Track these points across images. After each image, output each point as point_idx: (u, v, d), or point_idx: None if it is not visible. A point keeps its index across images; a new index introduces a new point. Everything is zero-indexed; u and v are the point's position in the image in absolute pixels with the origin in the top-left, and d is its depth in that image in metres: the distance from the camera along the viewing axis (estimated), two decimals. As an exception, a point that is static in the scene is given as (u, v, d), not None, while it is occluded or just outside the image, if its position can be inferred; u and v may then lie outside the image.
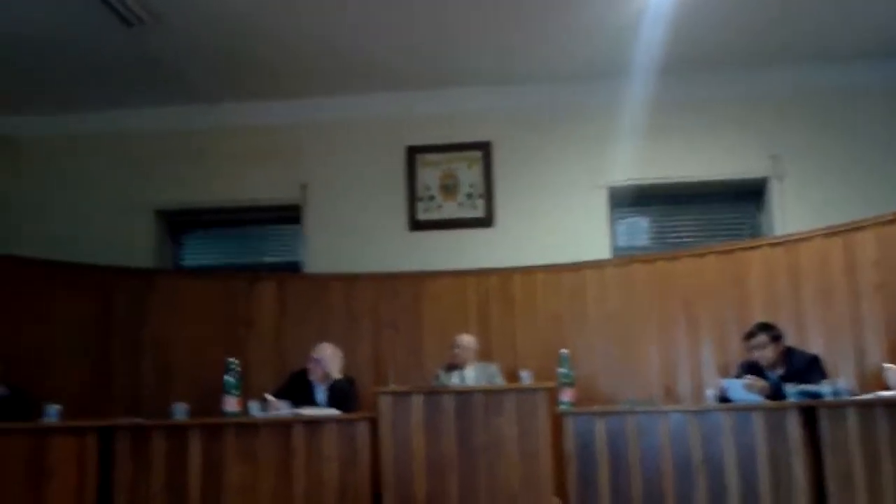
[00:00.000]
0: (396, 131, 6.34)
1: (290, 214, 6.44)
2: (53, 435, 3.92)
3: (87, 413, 4.46)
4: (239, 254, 6.60)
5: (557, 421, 4.30)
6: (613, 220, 6.18)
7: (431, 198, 6.31)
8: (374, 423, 4.29)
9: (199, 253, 6.68)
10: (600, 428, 4.23)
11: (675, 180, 6.06)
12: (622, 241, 6.24)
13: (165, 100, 6.25)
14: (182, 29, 5.20)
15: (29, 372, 4.79)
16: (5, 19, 4.99)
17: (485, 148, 6.29)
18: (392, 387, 4.46)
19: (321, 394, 4.89)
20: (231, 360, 4.43)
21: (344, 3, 4.97)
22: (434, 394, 4.32)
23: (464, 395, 4.30)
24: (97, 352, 5.38)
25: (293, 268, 6.41)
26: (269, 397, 4.57)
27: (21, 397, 4.50)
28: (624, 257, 5.95)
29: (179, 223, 6.62)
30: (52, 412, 4.06)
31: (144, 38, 5.23)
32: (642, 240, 6.32)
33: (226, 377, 4.36)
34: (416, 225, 6.27)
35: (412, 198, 6.30)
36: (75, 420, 4.16)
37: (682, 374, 5.46)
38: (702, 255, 5.61)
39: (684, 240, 6.20)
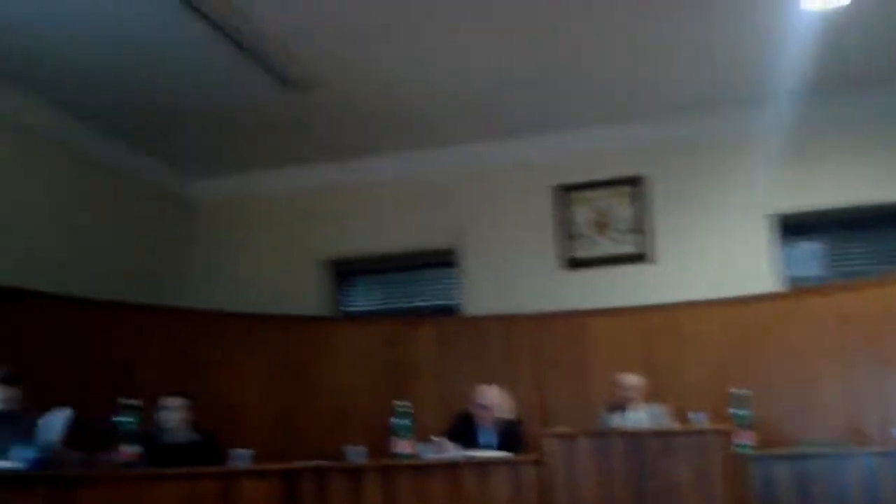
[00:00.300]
0: (547, 171, 6.39)
1: (446, 258, 6.59)
2: (242, 478, 4.14)
3: (272, 456, 4.68)
4: (400, 298, 6.80)
5: (733, 464, 4.13)
6: (780, 250, 5.92)
7: (584, 236, 6.29)
8: (540, 466, 4.28)
9: (362, 299, 6.94)
10: (784, 472, 4.02)
11: (846, 205, 5.76)
12: (792, 271, 5.94)
13: (324, 156, 6.59)
14: (338, 88, 5.47)
15: (218, 418, 5.09)
16: (175, 90, 5.42)
17: (638, 183, 6.22)
18: (558, 429, 4.43)
19: (488, 436, 4.91)
20: (400, 403, 4.54)
21: (489, 53, 5.10)
22: (602, 436, 4.26)
23: (633, 437, 4.21)
24: (278, 397, 5.67)
25: (451, 310, 6.54)
26: (438, 439, 4.64)
27: (211, 443, 4.79)
28: (798, 288, 5.68)
29: (343, 272, 6.91)
30: (243, 456, 4.29)
31: (303, 99, 5.54)
32: (813, 269, 6.01)
33: (396, 420, 4.47)
34: (572, 263, 6.25)
35: (566, 236, 6.30)
36: (262, 464, 4.38)
37: (868, 413, 5.12)
38: (883, 285, 5.27)
39: (857, 267, 5.85)
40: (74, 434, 3.77)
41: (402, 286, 6.85)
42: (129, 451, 3.84)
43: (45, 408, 3.97)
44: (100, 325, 5.13)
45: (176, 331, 5.47)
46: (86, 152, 5.95)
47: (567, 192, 6.36)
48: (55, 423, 3.72)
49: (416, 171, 6.62)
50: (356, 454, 4.54)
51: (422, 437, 4.68)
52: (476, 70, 5.34)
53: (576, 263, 6.24)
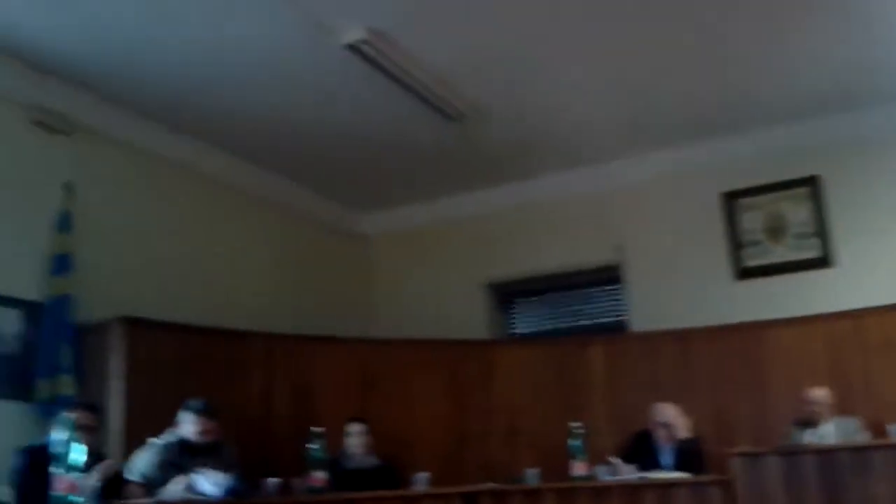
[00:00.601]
0: (711, 178, 6.17)
1: (610, 275, 6.51)
2: (424, 501, 4.25)
3: (447, 479, 4.77)
4: (565, 318, 6.77)
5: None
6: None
7: (757, 243, 6.03)
8: (726, 486, 4.12)
9: (527, 321, 6.97)
10: None
11: None
12: None
13: (487, 182, 6.69)
14: (497, 116, 5.57)
15: (394, 442, 5.26)
16: (344, 131, 5.68)
17: (812, 183, 5.90)
18: (743, 447, 4.26)
19: (667, 456, 4.80)
20: (574, 424, 4.52)
21: (644, 65, 5.02)
22: (791, 454, 4.05)
23: (826, 454, 3.98)
24: (453, 420, 5.76)
25: (619, 327, 6.44)
26: (616, 460, 4.57)
27: (390, 467, 4.95)
28: None
29: (507, 294, 6.97)
30: (421, 479, 4.41)
31: (464, 129, 5.66)
32: None
33: (572, 442, 4.45)
34: (744, 273, 6.01)
35: (736, 245, 6.07)
36: (439, 486, 4.48)
37: None
38: None
39: None
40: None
41: (566, 306, 6.82)
42: (318, 476, 4.04)
43: (237, 436, 4.27)
44: (283, 357, 5.43)
45: (353, 359, 5.69)
46: (267, 196, 6.36)
47: (735, 198, 6.12)
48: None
49: (576, 190, 6.58)
50: (533, 476, 4.55)
51: (595, 458, 4.63)
52: (632, 82, 5.27)
53: (748, 273, 5.99)
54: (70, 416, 3.47)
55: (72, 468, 3.06)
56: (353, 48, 4.56)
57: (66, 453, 3.08)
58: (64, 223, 4.75)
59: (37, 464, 3.44)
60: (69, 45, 4.50)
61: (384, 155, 6.11)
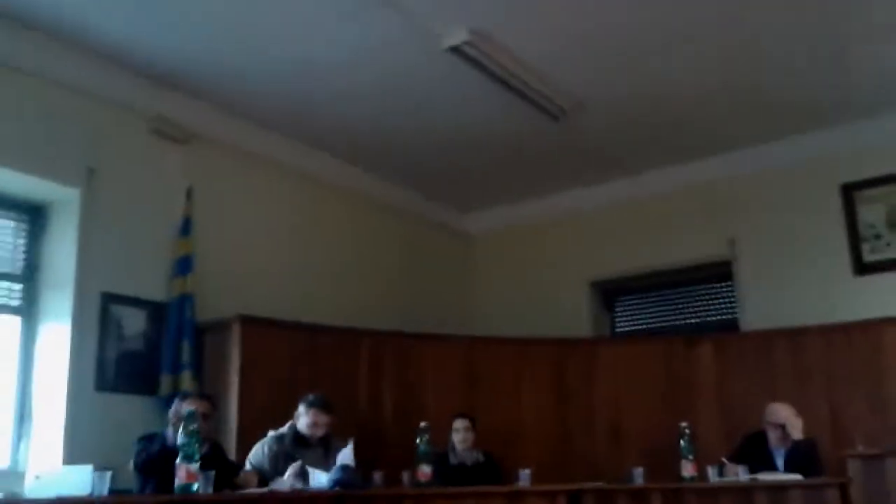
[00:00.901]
0: (828, 170, 5.94)
1: (720, 271, 6.35)
2: (527, 497, 4.27)
3: (552, 475, 4.78)
4: (671, 316, 6.66)
5: None
6: None
7: (878, 237, 5.76)
8: (842, 489, 3.97)
9: (631, 318, 6.89)
10: None
11: None
12: None
13: (591, 179, 6.66)
14: (602, 111, 5.52)
15: (498, 438, 5.30)
16: (447, 132, 5.77)
17: (941, 173, 5.60)
18: (861, 450, 4.09)
19: (781, 458, 4.64)
20: (683, 424, 4.45)
21: (760, 48, 4.86)
22: (913, 457, 3.87)
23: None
24: (556, 418, 5.77)
25: (729, 325, 6.28)
26: (727, 462, 4.47)
27: (493, 462, 5.00)
28: None
29: (613, 291, 6.92)
30: (524, 475, 4.44)
31: (570, 126, 5.64)
32: None
33: (680, 442, 4.39)
34: (863, 268, 5.75)
35: (855, 239, 5.81)
36: (543, 483, 4.49)
37: None
38: None
39: None
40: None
41: (673, 303, 6.70)
42: (424, 470, 4.13)
43: (347, 431, 4.41)
44: (390, 354, 5.56)
45: (459, 356, 5.77)
46: (374, 198, 6.53)
47: (855, 189, 5.85)
48: (346, 450, 4.08)
49: (684, 184, 6.46)
50: (639, 476, 4.50)
51: (704, 459, 4.54)
52: (745, 70, 5.09)
53: (868, 268, 5.72)
54: (189, 406, 3.66)
55: (191, 458, 3.23)
56: (455, 50, 4.63)
57: (187, 444, 3.24)
58: (185, 227, 5.03)
59: (155, 453, 3.68)
60: (185, 57, 4.75)
61: (487, 154, 6.17)
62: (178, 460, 3.21)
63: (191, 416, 3.31)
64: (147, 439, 3.79)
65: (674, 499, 4.23)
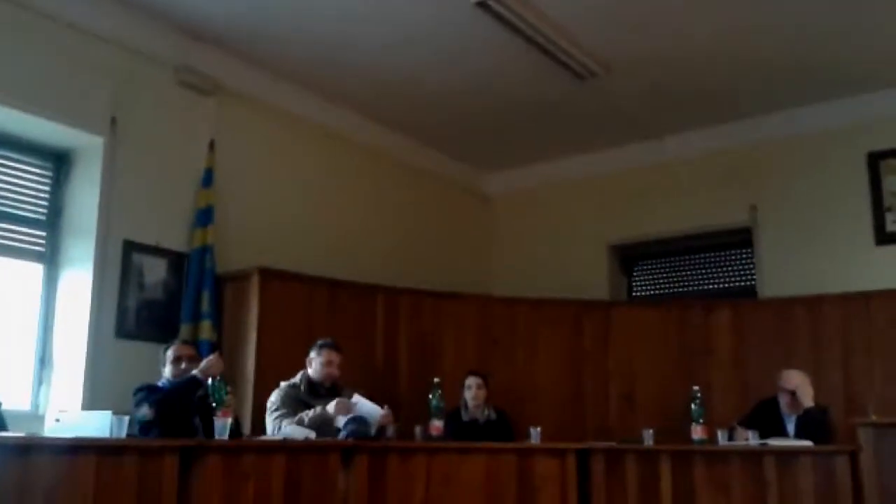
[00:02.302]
0: (855, 138, 5.84)
1: (740, 238, 6.32)
2: (538, 455, 4.33)
3: (564, 435, 4.83)
4: (689, 281, 6.65)
5: None
6: None
7: (903, 207, 5.70)
8: (854, 457, 3.98)
9: (649, 283, 6.88)
10: None
11: None
12: None
13: (613, 142, 6.60)
14: (628, 75, 5.47)
15: (511, 397, 5.36)
16: (471, 91, 5.74)
17: (968, 144, 5.50)
18: (873, 418, 4.09)
19: (792, 425, 4.66)
20: (695, 387, 4.48)
21: (788, 11, 4.77)
22: (925, 427, 3.86)
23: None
24: (570, 379, 5.81)
25: (747, 292, 6.26)
26: (737, 426, 4.49)
27: (505, 420, 5.06)
28: None
29: (631, 255, 6.90)
30: (535, 434, 4.49)
31: (595, 87, 5.59)
32: None
33: (692, 405, 4.41)
34: (886, 238, 5.69)
35: (878, 209, 5.74)
36: (554, 441, 4.54)
37: None
38: None
39: None
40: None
41: (693, 269, 6.68)
42: (435, 425, 4.20)
43: (362, 384, 4.48)
44: (407, 310, 5.60)
45: (475, 315, 5.81)
46: (394, 154, 6.52)
47: (882, 158, 5.76)
48: (363, 401, 4.15)
49: (707, 149, 6.39)
50: (649, 437, 4.54)
51: (717, 423, 4.57)
52: (774, 33, 4.99)
53: (890, 238, 5.66)
54: (175, 352, 4.06)
55: (220, 402, 3.53)
56: (482, 5, 4.58)
57: (215, 389, 3.57)
58: (207, 179, 5.07)
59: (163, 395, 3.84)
60: (213, 8, 4.75)
61: (510, 114, 6.13)
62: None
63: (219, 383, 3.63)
64: (147, 389, 3.87)
65: (682, 460, 4.27)
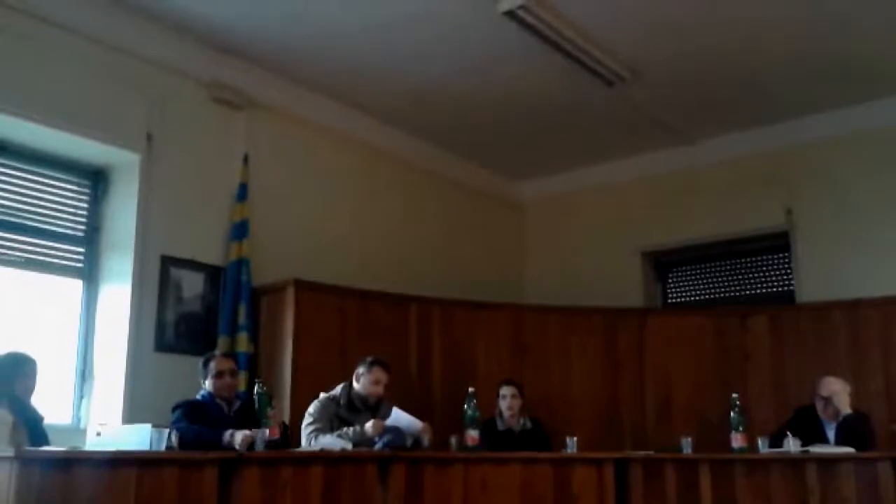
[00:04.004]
0: (894, 139, 5.75)
1: (776, 242, 6.24)
2: (574, 464, 4.30)
3: (600, 444, 4.80)
4: (725, 287, 6.57)
5: None
6: None
7: (946, 208, 5.59)
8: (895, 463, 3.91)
9: (684, 289, 6.82)
10: None
11: None
12: None
13: (644, 147, 6.56)
14: (659, 79, 5.44)
15: (546, 406, 5.33)
16: (500, 100, 5.74)
17: None
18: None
19: (832, 432, 4.58)
20: (734, 395, 4.42)
21: (821, 11, 4.70)
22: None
23: None
24: (605, 388, 5.77)
25: (785, 297, 6.18)
26: (783, 434, 4.41)
27: (540, 429, 5.03)
28: None
29: (665, 262, 6.85)
30: (571, 443, 4.46)
31: (625, 93, 5.56)
32: None
33: (731, 413, 4.36)
34: (928, 240, 5.59)
35: (921, 210, 5.65)
36: (590, 451, 4.51)
37: None
38: None
39: None
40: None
41: (729, 274, 6.61)
42: (471, 435, 4.18)
43: (396, 395, 4.48)
44: (440, 320, 5.60)
45: (508, 324, 5.79)
46: (425, 165, 6.56)
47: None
48: (401, 415, 4.15)
49: (741, 152, 6.33)
50: (687, 445, 4.49)
51: (757, 430, 4.51)
52: (810, 32, 4.89)
53: (933, 240, 5.57)
54: (218, 367, 4.03)
55: (264, 417, 3.63)
56: (511, 15, 4.59)
57: (260, 405, 3.65)
58: (241, 193, 5.13)
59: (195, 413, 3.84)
60: (243, 24, 4.82)
61: (540, 122, 6.12)
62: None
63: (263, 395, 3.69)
64: (184, 407, 3.87)
65: (722, 469, 4.21)
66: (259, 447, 3.48)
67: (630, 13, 4.71)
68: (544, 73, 5.34)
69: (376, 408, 4.31)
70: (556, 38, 4.82)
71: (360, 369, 4.35)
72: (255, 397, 3.69)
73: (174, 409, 3.86)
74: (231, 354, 4.47)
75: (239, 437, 3.52)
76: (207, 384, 4.04)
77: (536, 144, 6.56)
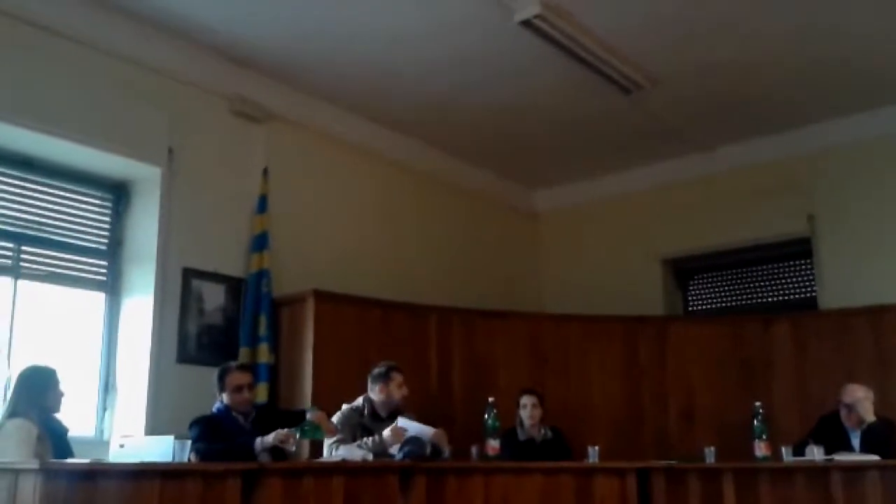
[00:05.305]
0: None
1: (798, 249, 6.19)
2: (597, 474, 4.27)
3: (622, 453, 4.76)
4: (747, 294, 6.53)
5: None
6: None
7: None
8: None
9: (705, 297, 6.77)
10: None
11: None
12: None
13: (662, 154, 6.54)
14: (677, 86, 5.43)
15: (566, 415, 5.30)
16: (516, 110, 5.75)
17: None
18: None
19: (856, 438, 4.53)
20: (757, 403, 4.38)
21: (839, 17, 4.68)
22: None
23: None
24: (626, 397, 5.74)
25: (807, 304, 6.12)
26: (809, 443, 4.37)
27: (561, 439, 5.00)
28: None
29: (685, 270, 6.80)
30: (593, 453, 4.43)
31: (642, 101, 5.56)
32: None
33: (755, 421, 4.32)
34: (952, 246, 5.53)
35: (943, 216, 5.59)
36: (612, 460, 4.48)
37: None
38: None
39: None
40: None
41: (750, 281, 6.56)
42: (492, 445, 4.17)
43: (415, 405, 4.48)
44: (459, 330, 5.60)
45: (528, 333, 5.78)
46: (443, 175, 6.57)
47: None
48: (416, 425, 4.14)
49: (761, 159, 6.30)
50: (710, 455, 4.45)
51: (780, 439, 4.47)
52: (828, 37, 4.88)
53: (956, 245, 5.51)
54: (237, 381, 4.00)
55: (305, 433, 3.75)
56: (527, 24, 4.59)
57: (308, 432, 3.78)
58: (262, 205, 5.16)
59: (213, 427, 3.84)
60: (263, 38, 4.86)
61: (557, 131, 6.12)
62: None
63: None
64: (201, 423, 3.86)
65: (746, 478, 4.16)
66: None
67: (647, 21, 4.71)
68: (560, 82, 5.34)
69: (396, 417, 4.31)
70: (572, 46, 4.82)
71: (377, 383, 4.33)
72: (303, 431, 3.75)
73: (191, 426, 3.85)
74: (247, 366, 4.40)
75: (271, 436, 3.64)
76: (224, 397, 4.02)
77: (554, 153, 6.56)
